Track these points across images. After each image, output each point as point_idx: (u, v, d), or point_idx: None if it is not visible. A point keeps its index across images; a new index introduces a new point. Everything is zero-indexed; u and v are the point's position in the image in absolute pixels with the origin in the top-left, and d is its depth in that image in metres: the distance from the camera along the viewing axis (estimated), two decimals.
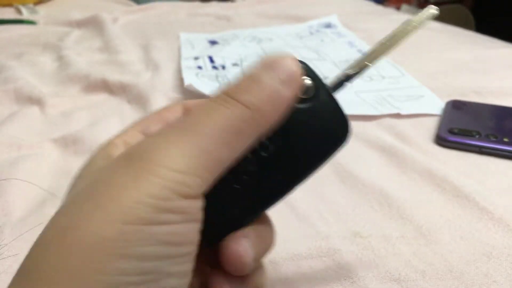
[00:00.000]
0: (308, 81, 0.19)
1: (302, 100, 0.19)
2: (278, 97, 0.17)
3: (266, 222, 0.21)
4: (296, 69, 0.17)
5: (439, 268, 0.30)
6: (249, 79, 0.17)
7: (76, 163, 0.42)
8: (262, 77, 0.16)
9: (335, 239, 0.32)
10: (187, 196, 0.15)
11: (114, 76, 0.61)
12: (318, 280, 0.29)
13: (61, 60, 0.69)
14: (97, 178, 0.16)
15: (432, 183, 0.38)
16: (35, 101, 0.55)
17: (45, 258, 0.14)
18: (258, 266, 0.21)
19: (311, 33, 0.82)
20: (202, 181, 0.15)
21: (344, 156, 0.42)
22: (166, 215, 0.14)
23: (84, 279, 0.13)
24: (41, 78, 0.63)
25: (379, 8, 1.08)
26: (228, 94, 0.16)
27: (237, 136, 0.16)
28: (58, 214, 0.16)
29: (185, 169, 0.15)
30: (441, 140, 0.44)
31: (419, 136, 0.46)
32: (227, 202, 0.19)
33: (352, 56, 0.69)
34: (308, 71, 0.19)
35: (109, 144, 0.20)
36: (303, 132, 0.19)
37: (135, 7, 1.06)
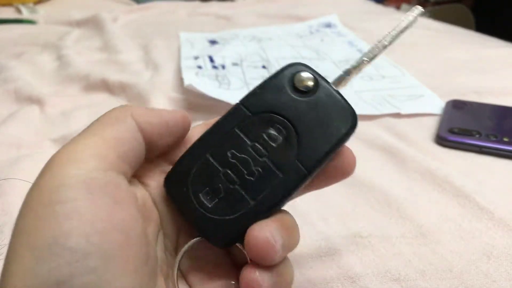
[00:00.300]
0: (309, 75, 0.21)
1: (305, 94, 0.20)
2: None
3: (287, 214, 0.22)
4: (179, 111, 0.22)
5: (439, 268, 0.30)
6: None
7: None
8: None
9: (335, 238, 0.32)
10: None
11: (114, 75, 0.61)
12: (318, 280, 0.29)
13: (61, 59, 0.69)
14: None
15: (432, 183, 0.38)
16: (35, 100, 0.55)
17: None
18: (286, 260, 0.21)
19: (311, 33, 0.82)
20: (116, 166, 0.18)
21: None
22: (69, 191, 0.17)
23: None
24: (41, 78, 0.63)
25: (379, 7, 1.08)
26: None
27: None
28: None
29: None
30: (441, 140, 0.44)
31: (419, 135, 0.46)
32: (238, 198, 0.20)
33: (352, 55, 0.69)
34: (308, 68, 0.21)
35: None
36: (309, 122, 0.20)
37: (135, 6, 1.06)
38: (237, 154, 0.20)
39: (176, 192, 0.21)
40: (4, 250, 0.30)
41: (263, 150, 0.20)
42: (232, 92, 0.56)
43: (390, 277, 0.29)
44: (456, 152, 0.43)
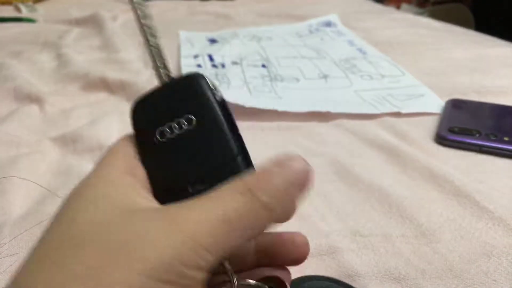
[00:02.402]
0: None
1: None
2: (291, 199, 0.18)
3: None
4: (308, 174, 0.18)
5: (439, 267, 0.30)
6: (269, 178, 0.17)
7: (75, 162, 0.42)
8: (280, 180, 0.17)
9: (335, 237, 0.32)
10: (195, 267, 0.15)
11: (113, 74, 0.61)
12: None
13: (61, 58, 0.69)
14: (127, 224, 0.16)
15: (432, 182, 0.38)
16: (34, 99, 0.55)
17: None
18: None
19: (311, 32, 0.82)
20: (211, 257, 0.16)
21: (344, 155, 0.43)
22: (172, 277, 0.15)
23: None
24: (40, 77, 0.63)
25: (379, 7, 1.08)
26: (250, 189, 0.17)
27: (249, 228, 0.17)
28: (81, 251, 0.15)
29: (202, 241, 0.15)
30: (441, 139, 0.44)
31: (419, 135, 0.46)
32: None
33: (352, 54, 0.69)
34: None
35: (110, 167, 0.19)
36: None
37: None
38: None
39: None
40: (3, 250, 0.30)
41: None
42: (232, 91, 0.56)
43: (390, 276, 0.29)
44: (456, 152, 0.43)
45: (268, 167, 0.18)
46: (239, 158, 0.20)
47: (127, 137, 0.21)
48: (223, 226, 0.16)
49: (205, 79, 0.21)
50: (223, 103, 0.21)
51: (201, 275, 0.15)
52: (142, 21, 0.23)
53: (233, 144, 0.20)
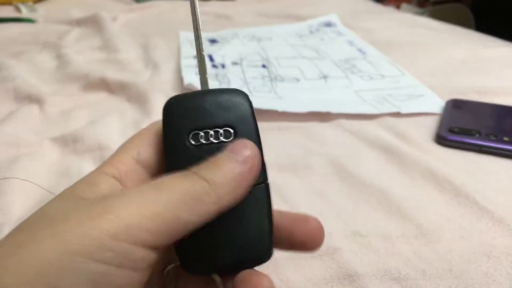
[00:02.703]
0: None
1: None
2: (235, 176, 0.18)
3: None
4: (254, 152, 0.19)
5: (439, 267, 0.30)
6: (212, 161, 0.19)
7: (75, 162, 0.42)
8: (223, 159, 0.19)
9: (335, 238, 0.32)
10: (137, 243, 0.16)
11: (113, 75, 0.61)
12: (318, 279, 0.29)
13: (61, 58, 0.69)
14: (71, 208, 0.17)
15: (432, 182, 0.38)
16: (34, 99, 0.55)
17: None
18: None
19: (311, 32, 0.82)
20: (157, 236, 0.16)
21: (344, 155, 0.43)
22: (107, 253, 0.15)
23: None
24: (40, 77, 0.63)
25: (379, 7, 1.08)
26: (193, 171, 0.18)
27: (196, 204, 0.17)
28: (15, 234, 0.16)
29: (144, 220, 0.16)
30: (441, 139, 0.44)
31: (419, 135, 0.46)
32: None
33: (352, 54, 0.69)
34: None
35: (99, 174, 0.19)
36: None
37: (135, 5, 1.06)
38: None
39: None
40: None
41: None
42: None
43: (390, 276, 0.29)
44: (456, 152, 0.43)
45: (218, 155, 0.19)
46: (265, 185, 0.21)
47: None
48: (164, 205, 0.16)
49: (248, 97, 0.21)
50: (256, 122, 0.21)
51: (135, 251, 0.16)
52: (199, 30, 0.23)
53: (262, 170, 0.20)
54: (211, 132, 0.20)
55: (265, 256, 0.20)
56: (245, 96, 0.22)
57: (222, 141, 0.20)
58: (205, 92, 0.22)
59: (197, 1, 0.23)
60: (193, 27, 0.23)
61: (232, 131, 0.21)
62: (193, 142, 0.20)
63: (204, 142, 0.20)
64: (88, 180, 0.19)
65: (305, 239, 0.21)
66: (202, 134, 0.20)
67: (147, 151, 0.21)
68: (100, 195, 0.18)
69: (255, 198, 0.20)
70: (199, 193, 0.17)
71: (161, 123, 0.21)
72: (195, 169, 0.18)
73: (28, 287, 0.14)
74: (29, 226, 0.16)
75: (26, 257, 0.15)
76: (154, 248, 0.16)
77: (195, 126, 0.21)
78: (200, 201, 0.17)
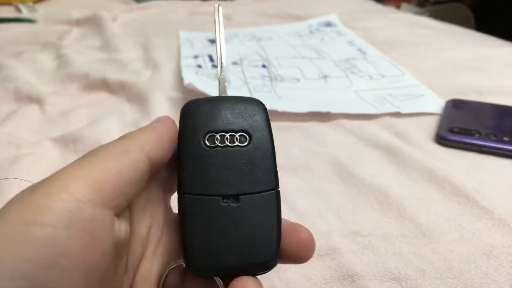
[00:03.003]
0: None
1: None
2: (163, 145, 0.21)
3: None
4: (166, 117, 0.22)
5: (439, 267, 0.30)
6: (149, 132, 0.21)
7: None
8: (158, 129, 0.21)
9: (335, 238, 0.32)
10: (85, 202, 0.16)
11: (113, 75, 0.61)
12: (317, 279, 0.29)
13: (61, 58, 0.69)
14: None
15: (432, 182, 0.38)
16: (35, 100, 0.55)
17: None
18: None
19: (311, 32, 0.82)
20: (106, 195, 0.17)
21: (344, 155, 0.43)
22: (51, 215, 0.16)
23: None
24: (40, 77, 0.63)
25: (379, 6, 1.08)
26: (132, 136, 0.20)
27: (133, 167, 0.19)
28: None
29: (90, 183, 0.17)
30: (441, 139, 0.44)
31: (419, 135, 0.46)
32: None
33: (352, 54, 0.69)
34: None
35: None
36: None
37: (135, 5, 1.06)
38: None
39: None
40: None
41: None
42: (232, 91, 0.56)
43: (390, 276, 0.29)
44: (456, 152, 0.43)
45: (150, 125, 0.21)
46: (276, 192, 0.21)
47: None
48: (108, 165, 0.18)
49: (265, 107, 0.22)
50: (271, 131, 0.22)
51: (102, 213, 0.17)
52: (222, 37, 0.24)
53: (275, 177, 0.21)
54: (227, 136, 0.21)
55: (270, 263, 0.20)
56: (262, 105, 0.22)
57: (238, 146, 0.21)
58: (224, 98, 0.22)
59: (221, 12, 0.24)
60: (216, 37, 0.24)
61: (247, 136, 0.21)
62: (208, 144, 0.21)
63: (219, 144, 0.21)
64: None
65: (295, 249, 0.21)
66: (218, 136, 0.21)
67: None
68: None
69: (265, 204, 0.20)
70: (137, 161, 0.19)
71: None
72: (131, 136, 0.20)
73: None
74: None
75: None
76: (104, 209, 0.17)
77: (211, 128, 0.21)
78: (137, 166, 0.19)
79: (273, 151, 0.21)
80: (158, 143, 0.20)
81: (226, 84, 0.24)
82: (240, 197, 0.20)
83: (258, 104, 0.22)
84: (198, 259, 0.20)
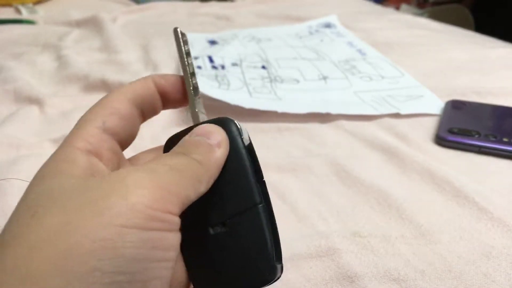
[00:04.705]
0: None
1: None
2: (215, 156, 0.20)
3: None
4: (223, 136, 0.21)
5: (439, 268, 0.30)
6: (195, 143, 0.21)
7: None
8: (203, 142, 0.21)
9: (335, 238, 0.32)
10: (169, 212, 0.17)
11: (113, 76, 0.61)
12: (317, 280, 0.29)
13: (61, 60, 0.69)
14: (87, 187, 0.17)
15: (431, 183, 0.38)
16: (35, 101, 0.55)
17: (39, 261, 0.14)
18: None
19: (311, 33, 0.82)
20: (177, 204, 0.18)
21: (343, 156, 0.43)
22: (155, 223, 0.17)
23: (80, 280, 0.14)
24: (40, 78, 0.63)
25: (379, 7, 1.08)
26: (185, 153, 0.20)
27: (197, 184, 0.19)
28: (45, 216, 0.16)
29: (167, 194, 0.18)
30: (440, 140, 0.44)
31: (419, 136, 0.46)
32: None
33: (352, 55, 0.69)
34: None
35: (73, 149, 0.20)
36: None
37: (135, 6, 1.06)
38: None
39: None
40: None
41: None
42: (232, 92, 0.56)
43: (389, 277, 0.29)
44: (456, 152, 0.43)
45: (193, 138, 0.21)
46: (260, 207, 0.20)
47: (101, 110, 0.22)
48: (176, 177, 0.18)
49: (236, 124, 0.22)
50: (250, 148, 0.22)
51: (171, 218, 0.17)
52: (187, 59, 0.24)
53: (255, 192, 0.21)
54: None
55: (269, 277, 0.20)
56: (231, 123, 0.22)
57: None
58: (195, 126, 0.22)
59: (182, 36, 0.24)
60: (181, 64, 0.24)
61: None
62: None
63: None
64: (63, 157, 0.19)
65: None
66: None
67: (112, 119, 0.21)
68: (82, 172, 0.19)
69: (252, 222, 0.20)
70: (197, 174, 0.19)
71: (119, 91, 0.22)
72: (182, 149, 0.20)
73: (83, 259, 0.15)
74: (58, 206, 0.16)
75: (78, 237, 0.15)
76: (177, 214, 0.18)
77: None
78: (200, 182, 0.19)
79: (251, 165, 0.21)
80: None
81: (197, 110, 0.23)
82: (227, 221, 0.20)
83: (227, 124, 0.22)
84: (202, 282, 0.20)
